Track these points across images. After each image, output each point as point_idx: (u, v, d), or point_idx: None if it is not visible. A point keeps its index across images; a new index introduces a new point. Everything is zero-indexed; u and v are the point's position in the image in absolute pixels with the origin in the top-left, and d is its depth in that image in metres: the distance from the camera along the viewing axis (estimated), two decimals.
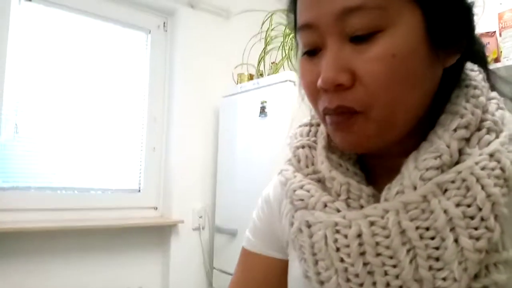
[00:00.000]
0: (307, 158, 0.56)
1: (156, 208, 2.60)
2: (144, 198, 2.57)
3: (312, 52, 0.49)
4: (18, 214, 2.10)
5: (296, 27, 0.52)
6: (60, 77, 2.33)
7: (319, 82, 0.45)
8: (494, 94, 0.50)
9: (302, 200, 0.52)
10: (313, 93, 0.49)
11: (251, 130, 2.35)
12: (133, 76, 2.62)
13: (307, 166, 0.56)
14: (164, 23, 2.76)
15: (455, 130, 0.45)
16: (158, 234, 2.52)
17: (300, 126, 0.62)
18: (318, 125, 0.59)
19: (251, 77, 2.60)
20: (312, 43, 0.48)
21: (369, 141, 0.47)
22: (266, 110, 2.25)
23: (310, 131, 0.60)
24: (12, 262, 2.03)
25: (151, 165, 2.61)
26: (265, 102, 2.26)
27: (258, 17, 2.45)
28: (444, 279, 0.40)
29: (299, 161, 0.57)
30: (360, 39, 0.44)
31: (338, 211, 0.48)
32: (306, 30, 0.48)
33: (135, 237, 2.43)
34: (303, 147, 0.57)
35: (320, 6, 0.45)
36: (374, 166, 0.55)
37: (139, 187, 2.57)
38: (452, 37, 0.47)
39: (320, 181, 0.53)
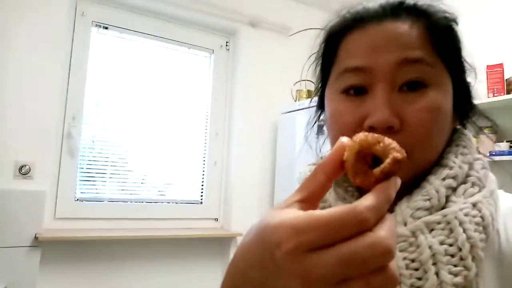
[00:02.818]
0: None
1: (217, 219, 2.73)
2: (205, 210, 2.70)
3: (356, 91, 0.53)
4: (92, 222, 2.32)
5: (324, 68, 0.60)
6: (131, 95, 2.54)
7: (371, 121, 0.49)
8: (480, 156, 0.56)
9: None
10: (350, 132, 0.52)
11: (309, 148, 2.39)
12: (197, 94, 2.78)
13: None
14: (226, 42, 2.89)
15: (444, 179, 0.51)
16: (218, 245, 2.64)
17: (309, 165, 0.69)
18: None
19: (309, 94, 2.64)
20: (358, 84, 0.53)
21: (403, 178, 0.52)
22: (324, 128, 2.27)
23: None
24: (87, 266, 2.25)
25: (213, 179, 2.74)
26: (323, 120, 2.28)
27: (319, 33, 2.47)
28: None
29: None
30: (410, 89, 0.50)
31: None
32: (356, 72, 0.53)
33: (197, 247, 2.57)
34: None
35: (379, 54, 0.51)
36: None
37: (201, 199, 2.71)
38: (462, 106, 0.57)
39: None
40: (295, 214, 0.30)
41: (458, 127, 0.60)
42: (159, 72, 2.65)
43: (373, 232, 0.28)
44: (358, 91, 0.53)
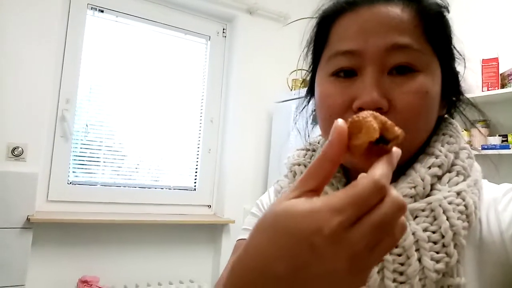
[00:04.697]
0: (302, 174, 0.62)
1: (210, 206, 2.74)
2: (199, 196, 2.71)
3: (346, 74, 0.54)
4: (84, 206, 2.33)
5: (316, 52, 0.61)
6: (126, 80, 2.52)
7: (360, 102, 0.50)
8: (466, 145, 0.57)
9: None
10: (339, 114, 0.53)
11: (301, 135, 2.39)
12: (192, 80, 2.76)
13: None
14: (223, 29, 2.87)
15: (429, 167, 0.52)
16: (211, 231, 2.66)
17: (297, 150, 0.69)
18: (314, 150, 0.67)
19: (305, 84, 2.63)
20: (348, 67, 0.53)
21: None
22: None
23: (306, 154, 0.67)
24: (78, 249, 2.26)
25: (207, 166, 2.75)
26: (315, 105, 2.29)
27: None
28: None
29: (294, 175, 0.64)
30: (399, 72, 0.51)
31: None
32: (346, 56, 0.53)
33: (189, 233, 2.59)
34: (299, 164, 0.65)
35: (369, 37, 0.52)
36: None
37: (195, 186, 2.72)
38: (450, 93, 0.58)
39: None
40: (325, 198, 0.31)
41: (446, 116, 0.60)
42: (155, 57, 2.63)
43: (388, 193, 0.31)
44: (348, 74, 0.54)
